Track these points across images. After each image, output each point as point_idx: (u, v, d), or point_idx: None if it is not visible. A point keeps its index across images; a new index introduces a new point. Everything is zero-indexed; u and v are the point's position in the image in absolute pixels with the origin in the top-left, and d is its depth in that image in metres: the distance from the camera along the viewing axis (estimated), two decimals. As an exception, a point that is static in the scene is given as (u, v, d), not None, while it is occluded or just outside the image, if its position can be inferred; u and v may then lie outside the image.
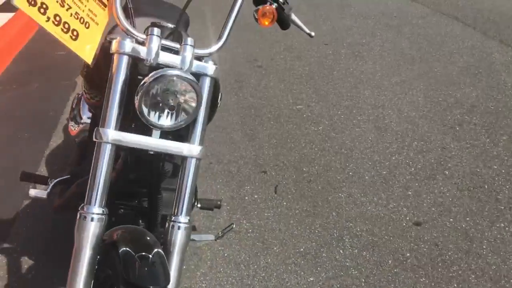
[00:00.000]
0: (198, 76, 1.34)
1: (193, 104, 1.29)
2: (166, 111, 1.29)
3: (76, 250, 1.26)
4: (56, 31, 1.19)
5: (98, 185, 1.28)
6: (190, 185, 1.37)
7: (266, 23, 1.53)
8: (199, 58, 1.35)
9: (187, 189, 1.37)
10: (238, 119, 3.33)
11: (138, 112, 1.25)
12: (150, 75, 1.23)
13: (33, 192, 1.87)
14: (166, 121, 1.30)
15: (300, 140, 3.08)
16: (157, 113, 1.29)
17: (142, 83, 1.23)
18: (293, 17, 1.65)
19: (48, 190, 1.89)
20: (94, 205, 1.27)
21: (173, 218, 1.35)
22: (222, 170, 2.78)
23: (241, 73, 4.01)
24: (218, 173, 2.75)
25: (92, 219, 1.26)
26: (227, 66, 3.98)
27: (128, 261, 1.22)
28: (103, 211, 1.29)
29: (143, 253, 1.25)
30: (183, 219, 1.35)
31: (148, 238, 1.34)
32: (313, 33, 1.69)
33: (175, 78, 1.24)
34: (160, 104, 1.27)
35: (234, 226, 2.21)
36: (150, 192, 1.53)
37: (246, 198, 2.56)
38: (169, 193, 1.55)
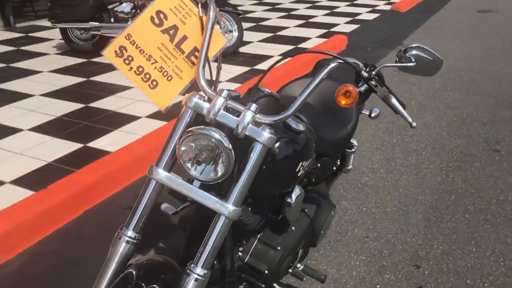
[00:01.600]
0: (252, 140, 1.37)
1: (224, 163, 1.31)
2: (202, 164, 1.35)
3: (106, 262, 1.46)
4: (136, 79, 1.42)
5: (137, 213, 1.45)
6: (214, 241, 1.40)
7: (343, 102, 1.42)
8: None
9: (211, 243, 1.40)
10: (429, 200, 3.00)
11: (178, 160, 1.37)
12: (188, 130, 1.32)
13: (163, 206, 2.16)
14: (203, 174, 1.36)
15: (487, 249, 2.56)
16: (195, 165, 1.36)
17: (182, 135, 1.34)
18: (393, 101, 1.47)
19: (177, 209, 2.15)
20: (129, 229, 1.45)
21: (191, 266, 1.40)
22: (373, 248, 2.57)
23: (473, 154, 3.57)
24: (367, 249, 2.55)
25: (123, 240, 1.44)
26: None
27: None
28: (135, 236, 1.45)
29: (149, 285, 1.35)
30: (199, 270, 1.39)
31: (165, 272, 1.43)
32: (414, 124, 1.47)
33: (204, 136, 1.29)
34: (195, 158, 1.35)
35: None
36: None
37: (378, 286, 2.31)
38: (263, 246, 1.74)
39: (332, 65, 1.45)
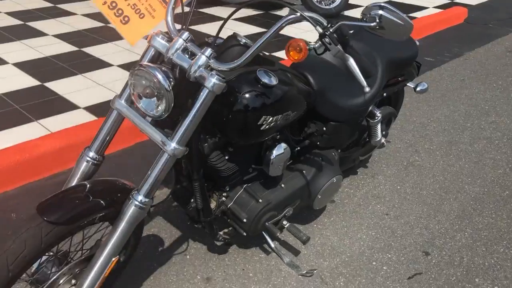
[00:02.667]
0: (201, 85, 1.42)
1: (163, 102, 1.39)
2: (150, 98, 1.44)
3: (69, 177, 1.65)
4: (108, 13, 1.53)
5: (99, 137, 1.62)
6: (157, 173, 1.50)
7: (293, 57, 1.39)
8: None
9: (153, 175, 1.51)
10: (475, 191, 2.76)
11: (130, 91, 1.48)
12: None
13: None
14: (146, 107, 1.46)
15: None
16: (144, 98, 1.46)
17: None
18: (349, 62, 1.40)
19: None
20: (91, 150, 1.61)
21: (134, 192, 1.53)
22: (389, 226, 2.47)
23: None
24: (381, 225, 2.47)
25: (84, 159, 1.61)
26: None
27: None
28: (96, 157, 1.62)
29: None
30: (140, 198, 1.51)
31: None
32: (367, 89, 1.39)
33: (146, 73, 1.38)
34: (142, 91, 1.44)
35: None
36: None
37: (374, 263, 2.24)
38: None
39: (289, 17, 1.41)
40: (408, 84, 2.59)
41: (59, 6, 5.87)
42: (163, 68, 1.41)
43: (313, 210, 2.52)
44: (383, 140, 2.66)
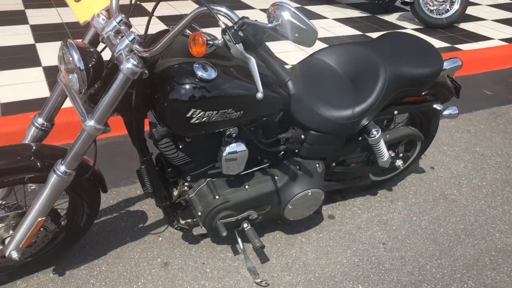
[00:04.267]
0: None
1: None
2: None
3: (22, 141, 1.80)
4: (65, -9, 1.63)
5: (47, 106, 1.74)
6: (77, 147, 1.59)
7: (192, 49, 1.34)
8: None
9: (74, 148, 1.60)
10: (508, 242, 2.37)
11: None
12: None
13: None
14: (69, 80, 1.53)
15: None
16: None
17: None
18: (250, 65, 1.32)
19: None
20: (39, 117, 1.75)
21: (58, 163, 1.63)
22: (378, 256, 2.24)
23: None
24: (369, 254, 2.25)
25: (32, 125, 1.76)
26: None
27: None
28: (43, 124, 1.75)
29: None
30: (62, 168, 1.61)
31: None
32: (259, 95, 1.30)
33: (65, 48, 1.46)
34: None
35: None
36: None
37: (338, 290, 2.07)
38: None
39: (197, 11, 1.36)
40: (435, 106, 2.31)
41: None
42: (90, 48, 1.46)
43: (307, 221, 2.40)
44: (399, 163, 2.42)
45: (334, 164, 2.25)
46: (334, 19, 5.59)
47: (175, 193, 2.00)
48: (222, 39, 1.34)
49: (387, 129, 2.39)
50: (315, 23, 5.36)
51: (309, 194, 2.06)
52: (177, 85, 1.54)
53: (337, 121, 1.96)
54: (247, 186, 1.98)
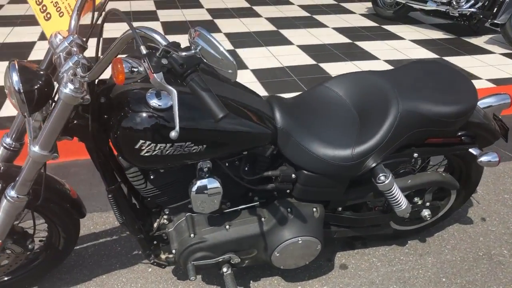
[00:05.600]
0: None
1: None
2: None
3: None
4: (35, 9, 1.58)
5: (15, 126, 1.70)
6: (25, 172, 1.51)
7: (116, 78, 1.19)
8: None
9: (22, 174, 1.52)
10: None
11: None
12: None
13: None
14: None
15: None
16: None
17: None
18: (172, 96, 1.14)
19: None
20: (8, 137, 1.71)
21: (8, 188, 1.57)
22: None
23: None
24: None
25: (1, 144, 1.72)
26: None
27: None
28: (12, 143, 1.71)
29: None
30: (12, 193, 1.56)
31: None
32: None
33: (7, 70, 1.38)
34: None
35: None
36: None
37: None
38: None
39: (127, 33, 1.20)
40: (471, 150, 1.93)
41: (341, 4, 6.72)
42: (38, 70, 1.37)
43: (314, 268, 2.14)
44: (425, 214, 2.06)
45: (340, 209, 1.96)
46: (412, 40, 5.17)
47: (156, 225, 1.85)
48: (143, 66, 1.17)
49: (415, 172, 2.04)
50: (389, 43, 5.00)
51: (300, 242, 1.80)
52: (126, 112, 1.39)
53: (332, 161, 1.69)
54: (227, 226, 1.78)
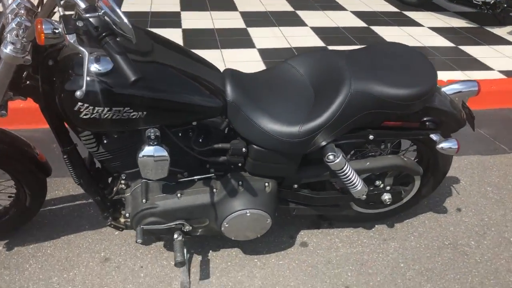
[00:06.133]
0: None
1: None
2: None
3: None
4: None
5: None
6: None
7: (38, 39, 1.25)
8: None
9: None
10: None
11: None
12: None
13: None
14: None
15: None
16: None
17: None
18: (83, 56, 1.19)
19: None
20: None
21: None
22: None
23: None
24: None
25: None
26: None
27: None
28: None
29: None
30: None
31: None
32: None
33: None
34: None
35: None
36: None
37: None
38: None
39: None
40: (432, 135, 1.91)
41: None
42: None
43: (274, 243, 2.18)
44: (385, 197, 2.06)
45: (296, 186, 1.98)
46: (430, 28, 5.04)
47: (115, 189, 1.92)
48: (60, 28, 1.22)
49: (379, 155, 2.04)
50: (406, 29, 4.89)
51: (248, 214, 1.84)
52: (68, 75, 1.45)
53: (279, 137, 1.71)
54: (179, 195, 1.83)
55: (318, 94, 1.81)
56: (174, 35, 4.37)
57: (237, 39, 4.38)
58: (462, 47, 4.51)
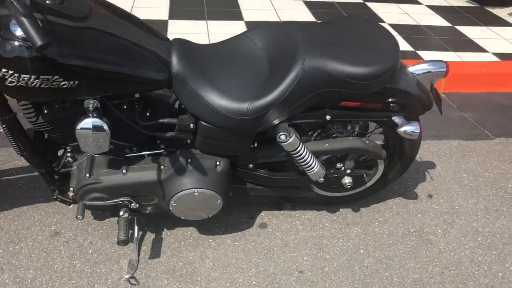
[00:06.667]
0: None
1: None
2: None
3: None
4: None
5: None
6: None
7: None
8: None
9: None
10: None
11: None
12: None
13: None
14: None
15: None
16: None
17: None
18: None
19: None
20: None
21: None
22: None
23: None
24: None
25: None
26: None
27: None
28: None
29: None
30: None
31: None
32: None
33: None
34: None
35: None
36: None
37: None
38: None
39: None
40: (394, 118, 1.80)
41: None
42: None
43: (232, 223, 2.11)
44: (346, 181, 1.97)
45: (251, 165, 1.89)
46: (428, 6, 4.86)
47: (62, 162, 1.84)
48: None
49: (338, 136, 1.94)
50: (402, 7, 4.72)
51: (196, 194, 1.75)
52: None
53: (227, 114, 1.61)
54: (125, 170, 1.75)
55: (272, 70, 1.70)
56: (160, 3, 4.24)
57: (225, 10, 4.24)
58: (459, 27, 4.35)
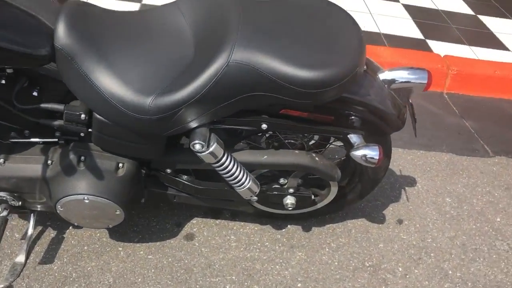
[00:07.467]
0: None
1: None
2: None
3: None
4: None
5: None
6: None
7: None
8: None
9: None
10: None
11: None
12: None
13: None
14: None
15: None
16: None
17: None
18: None
19: None
20: None
21: None
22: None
23: None
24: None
25: None
26: None
27: None
28: None
29: None
30: None
31: None
32: None
33: None
34: None
35: None
36: None
37: None
38: None
39: None
40: (350, 136, 1.39)
41: None
42: None
43: (156, 231, 1.76)
44: (287, 202, 1.59)
45: (169, 171, 1.51)
46: (451, -12, 4.29)
47: None
48: None
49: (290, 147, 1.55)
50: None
51: (86, 201, 1.39)
52: None
53: (123, 108, 1.23)
54: (2, 160, 1.39)
55: (195, 56, 1.29)
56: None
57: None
58: (482, 17, 3.82)
